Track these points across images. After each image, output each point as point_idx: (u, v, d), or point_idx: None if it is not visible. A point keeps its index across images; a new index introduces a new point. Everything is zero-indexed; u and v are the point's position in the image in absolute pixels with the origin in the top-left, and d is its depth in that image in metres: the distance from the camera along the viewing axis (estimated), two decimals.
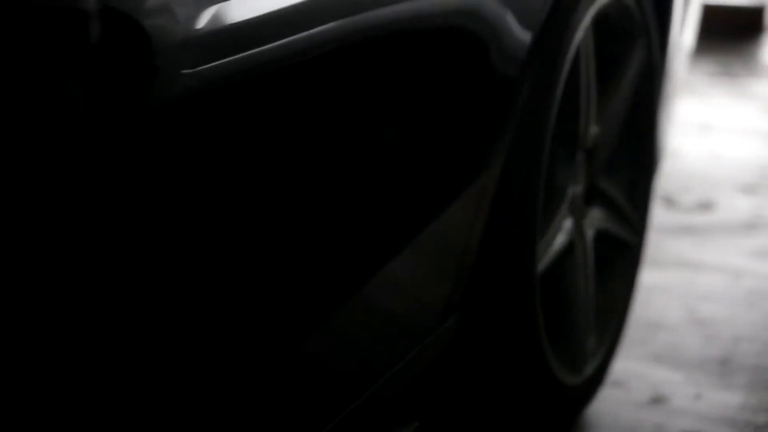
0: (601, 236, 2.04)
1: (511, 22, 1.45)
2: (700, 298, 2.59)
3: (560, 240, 1.84)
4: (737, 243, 2.92)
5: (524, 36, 1.49)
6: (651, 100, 2.06)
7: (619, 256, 2.10)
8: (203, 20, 1.01)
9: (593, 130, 1.90)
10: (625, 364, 2.25)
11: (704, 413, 2.09)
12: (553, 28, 1.60)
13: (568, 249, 1.87)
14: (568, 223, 1.86)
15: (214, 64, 1.02)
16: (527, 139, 1.59)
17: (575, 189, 1.89)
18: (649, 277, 2.69)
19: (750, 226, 3.04)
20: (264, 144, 1.10)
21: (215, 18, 1.02)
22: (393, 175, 1.32)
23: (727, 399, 2.14)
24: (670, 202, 3.21)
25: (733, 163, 3.58)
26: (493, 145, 1.51)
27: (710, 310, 2.52)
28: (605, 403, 2.10)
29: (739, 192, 3.31)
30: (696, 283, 2.67)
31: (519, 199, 1.60)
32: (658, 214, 3.12)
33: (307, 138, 1.15)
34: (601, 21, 1.83)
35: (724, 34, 5.14)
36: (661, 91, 2.15)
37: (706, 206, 3.19)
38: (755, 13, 5.27)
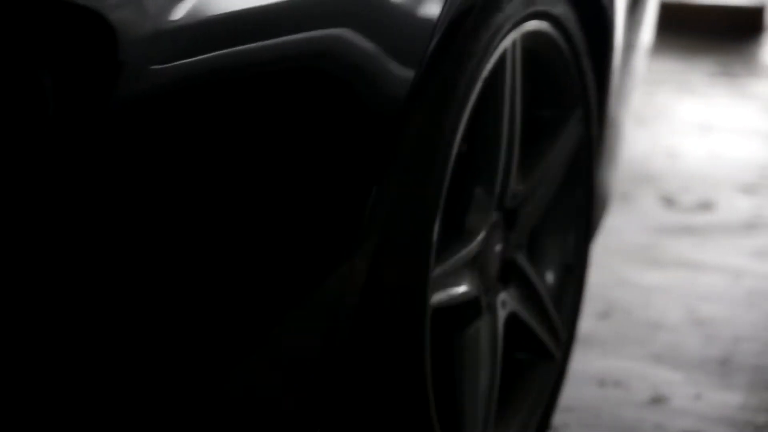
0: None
1: (383, 58, 1.23)
2: (700, 298, 2.59)
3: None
4: (737, 243, 2.92)
5: (404, 73, 1.25)
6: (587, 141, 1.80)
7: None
8: (172, 16, 1.01)
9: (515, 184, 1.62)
10: (625, 364, 2.25)
11: (704, 413, 2.09)
12: (445, 62, 1.35)
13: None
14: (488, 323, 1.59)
15: (180, 61, 1.02)
16: (412, 205, 1.30)
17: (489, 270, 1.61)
18: (649, 277, 2.69)
19: (750, 226, 3.04)
20: None
21: (185, 14, 1.02)
22: (225, 249, 1.10)
23: (727, 399, 2.14)
24: (670, 202, 3.21)
25: (733, 163, 3.58)
26: (365, 213, 1.22)
27: (710, 310, 2.52)
28: (605, 403, 2.10)
29: (739, 192, 3.31)
30: (696, 283, 2.67)
31: (399, 283, 1.31)
32: (658, 214, 3.12)
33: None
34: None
35: (724, 34, 5.14)
36: (601, 132, 1.89)
37: (706, 206, 3.19)
38: (755, 13, 5.27)
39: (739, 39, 5.14)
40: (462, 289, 1.51)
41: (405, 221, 1.29)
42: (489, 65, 1.43)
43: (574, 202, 1.83)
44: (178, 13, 1.02)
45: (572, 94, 1.74)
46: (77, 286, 1.00)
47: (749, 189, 3.33)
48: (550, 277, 1.83)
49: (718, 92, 4.37)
